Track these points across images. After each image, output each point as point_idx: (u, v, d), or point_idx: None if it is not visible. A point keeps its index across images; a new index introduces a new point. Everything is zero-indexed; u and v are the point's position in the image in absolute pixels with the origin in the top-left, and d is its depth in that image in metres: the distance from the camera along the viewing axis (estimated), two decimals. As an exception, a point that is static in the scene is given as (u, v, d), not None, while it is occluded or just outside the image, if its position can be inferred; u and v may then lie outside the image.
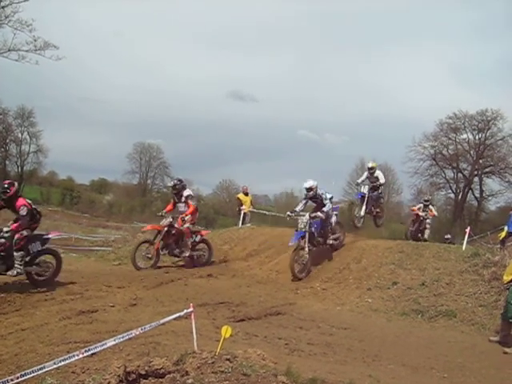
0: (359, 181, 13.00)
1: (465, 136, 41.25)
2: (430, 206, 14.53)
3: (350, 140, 69.05)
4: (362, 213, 12.37)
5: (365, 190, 12.40)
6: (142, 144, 54.12)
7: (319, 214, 10.09)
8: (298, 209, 10.50)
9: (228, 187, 50.63)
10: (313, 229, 10.09)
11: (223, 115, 78.64)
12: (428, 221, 14.07)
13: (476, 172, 41.09)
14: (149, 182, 55.07)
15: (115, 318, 6.39)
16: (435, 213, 15.01)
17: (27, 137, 49.51)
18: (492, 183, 40.94)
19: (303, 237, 9.95)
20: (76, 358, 3.87)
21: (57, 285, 8.09)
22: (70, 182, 52.92)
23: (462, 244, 10.51)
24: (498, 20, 71.02)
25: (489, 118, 39.58)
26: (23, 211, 7.81)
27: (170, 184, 11.00)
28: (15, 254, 7.73)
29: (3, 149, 48.48)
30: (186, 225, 10.58)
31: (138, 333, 4.26)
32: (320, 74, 75.75)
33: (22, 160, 49.86)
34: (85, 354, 3.93)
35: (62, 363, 3.81)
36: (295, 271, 9.75)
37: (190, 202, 10.79)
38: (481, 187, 41.13)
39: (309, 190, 10.27)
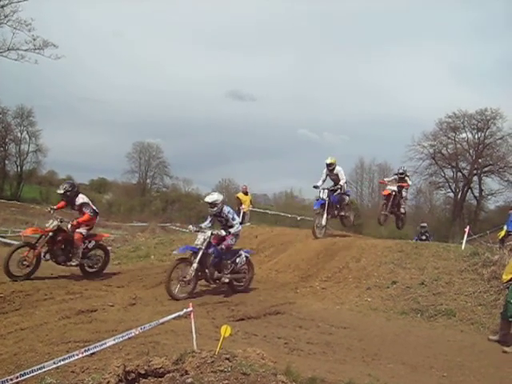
0: (318, 183, 11.88)
1: (464, 135, 41.31)
2: (406, 178, 13.24)
3: (349, 139, 69.07)
4: (323, 222, 11.65)
5: (324, 195, 11.59)
6: (141, 143, 54.11)
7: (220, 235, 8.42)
8: (203, 225, 8.52)
9: (227, 186, 50.60)
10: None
11: (223, 115, 78.64)
12: (404, 194, 13.06)
13: (475, 171, 41.13)
14: (148, 181, 55.04)
15: (115, 317, 6.39)
16: (410, 182, 13.47)
17: (26, 136, 49.49)
18: (491, 182, 41.01)
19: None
20: (75, 357, 3.87)
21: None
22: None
23: (461, 243, 10.52)
24: (498, 20, 71.03)
25: (488, 118, 39.61)
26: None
27: (60, 191, 8.99)
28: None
29: (2, 148, 48.42)
30: (80, 230, 8.89)
31: (137, 332, 4.26)
32: (320, 73, 75.82)
33: (21, 159, 49.83)
34: (84, 354, 3.93)
35: (62, 363, 3.81)
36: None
37: (84, 210, 9.03)
38: (480, 186, 41.18)
39: (212, 205, 8.40)
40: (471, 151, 41.30)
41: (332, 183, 12.03)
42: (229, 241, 8.43)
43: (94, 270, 9.36)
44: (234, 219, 8.55)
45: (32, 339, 5.43)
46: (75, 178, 53.64)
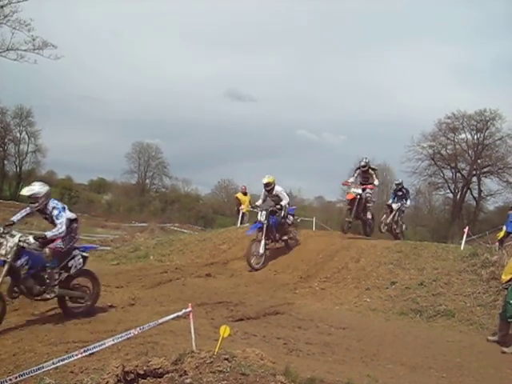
0: (258, 203, 10.92)
1: (463, 136, 41.34)
2: (371, 172, 11.88)
3: (348, 139, 69.02)
4: (261, 250, 10.33)
5: (262, 217, 10.35)
6: (140, 144, 54.07)
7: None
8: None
9: (227, 187, 50.60)
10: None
11: (222, 115, 78.53)
12: (368, 195, 11.60)
13: (474, 172, 41.17)
14: (147, 181, 55.00)
15: (114, 317, 6.39)
16: (376, 181, 11.79)
17: (25, 136, 49.44)
18: (490, 183, 41.04)
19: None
20: (74, 357, 3.87)
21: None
22: (68, 181, 52.85)
23: (460, 244, 10.53)
24: (498, 20, 71.07)
25: (487, 118, 39.65)
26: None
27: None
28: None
29: (1, 148, 48.37)
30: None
31: (136, 332, 4.25)
32: (319, 73, 75.68)
33: (20, 160, 49.77)
34: (83, 354, 3.93)
35: (61, 363, 3.81)
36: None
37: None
38: (479, 187, 41.21)
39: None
40: (470, 152, 41.33)
41: (273, 203, 10.87)
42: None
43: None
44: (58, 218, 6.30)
45: (31, 339, 5.43)
46: (74, 178, 53.79)
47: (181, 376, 3.70)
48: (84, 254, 6.72)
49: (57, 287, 6.33)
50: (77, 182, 54.35)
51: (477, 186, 41.38)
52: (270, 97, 79.18)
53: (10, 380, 3.55)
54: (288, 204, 10.89)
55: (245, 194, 16.86)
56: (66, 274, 6.48)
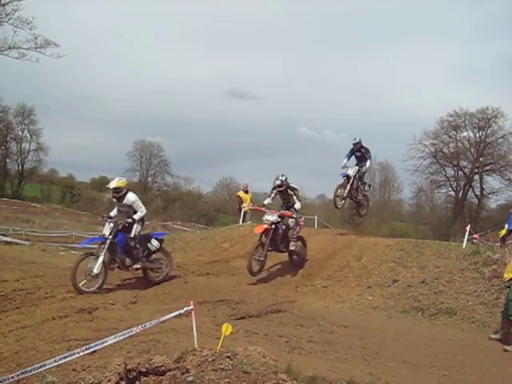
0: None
1: (465, 134, 41.36)
2: (290, 193, 9.64)
3: (349, 137, 68.98)
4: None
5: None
6: (142, 142, 54.25)
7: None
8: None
9: (228, 185, 50.70)
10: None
11: (224, 113, 78.74)
12: (291, 224, 9.58)
13: (476, 170, 41.14)
14: (149, 179, 55.14)
15: (115, 315, 6.40)
16: (297, 204, 9.59)
17: (27, 135, 49.61)
18: (492, 181, 41.05)
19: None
20: (76, 355, 3.87)
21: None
22: (70, 179, 53.01)
23: (463, 242, 10.51)
24: (498, 20, 70.99)
25: (489, 116, 39.61)
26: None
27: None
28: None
29: (4, 147, 48.53)
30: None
31: (138, 330, 4.26)
32: (320, 72, 75.90)
33: (22, 158, 49.96)
34: (85, 352, 3.94)
35: (63, 361, 3.81)
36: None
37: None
38: (481, 185, 41.19)
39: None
40: (472, 150, 41.31)
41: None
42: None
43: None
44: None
45: (33, 337, 5.44)
46: (76, 176, 54.00)
47: (183, 374, 3.70)
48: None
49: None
50: (79, 181, 54.55)
51: (479, 184, 41.40)
52: (271, 95, 79.49)
53: (13, 378, 3.56)
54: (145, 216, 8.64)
55: (246, 192, 16.84)
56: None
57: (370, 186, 12.17)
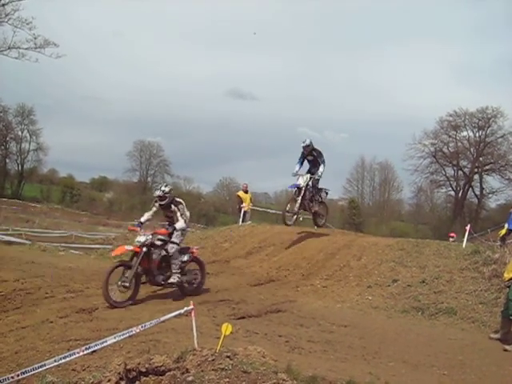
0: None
1: (465, 133, 41.40)
2: (173, 207, 7.85)
3: (349, 137, 69.10)
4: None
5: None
6: (142, 142, 54.28)
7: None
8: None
9: (228, 185, 50.75)
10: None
11: (224, 113, 78.78)
12: (170, 250, 7.64)
13: (476, 169, 41.16)
14: (149, 179, 55.13)
15: (115, 315, 6.39)
16: (179, 223, 7.72)
17: (27, 135, 49.61)
18: (492, 181, 41.09)
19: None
20: (76, 355, 3.87)
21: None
22: (70, 179, 53.01)
23: (462, 241, 10.52)
24: (498, 20, 71.05)
25: (489, 116, 39.64)
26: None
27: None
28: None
29: (3, 147, 48.54)
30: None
31: (138, 330, 4.26)
32: (320, 72, 75.94)
33: (22, 158, 49.97)
34: (85, 352, 3.94)
35: (63, 361, 3.81)
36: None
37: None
38: (481, 185, 41.22)
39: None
40: (472, 149, 41.33)
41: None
42: None
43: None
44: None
45: (33, 337, 5.44)
46: (76, 176, 54.00)
47: (183, 374, 3.71)
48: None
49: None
50: (78, 181, 54.56)
51: (478, 184, 41.41)
52: (271, 96, 79.55)
53: (12, 378, 3.56)
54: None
55: (246, 192, 16.84)
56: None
57: (327, 192, 11.47)
